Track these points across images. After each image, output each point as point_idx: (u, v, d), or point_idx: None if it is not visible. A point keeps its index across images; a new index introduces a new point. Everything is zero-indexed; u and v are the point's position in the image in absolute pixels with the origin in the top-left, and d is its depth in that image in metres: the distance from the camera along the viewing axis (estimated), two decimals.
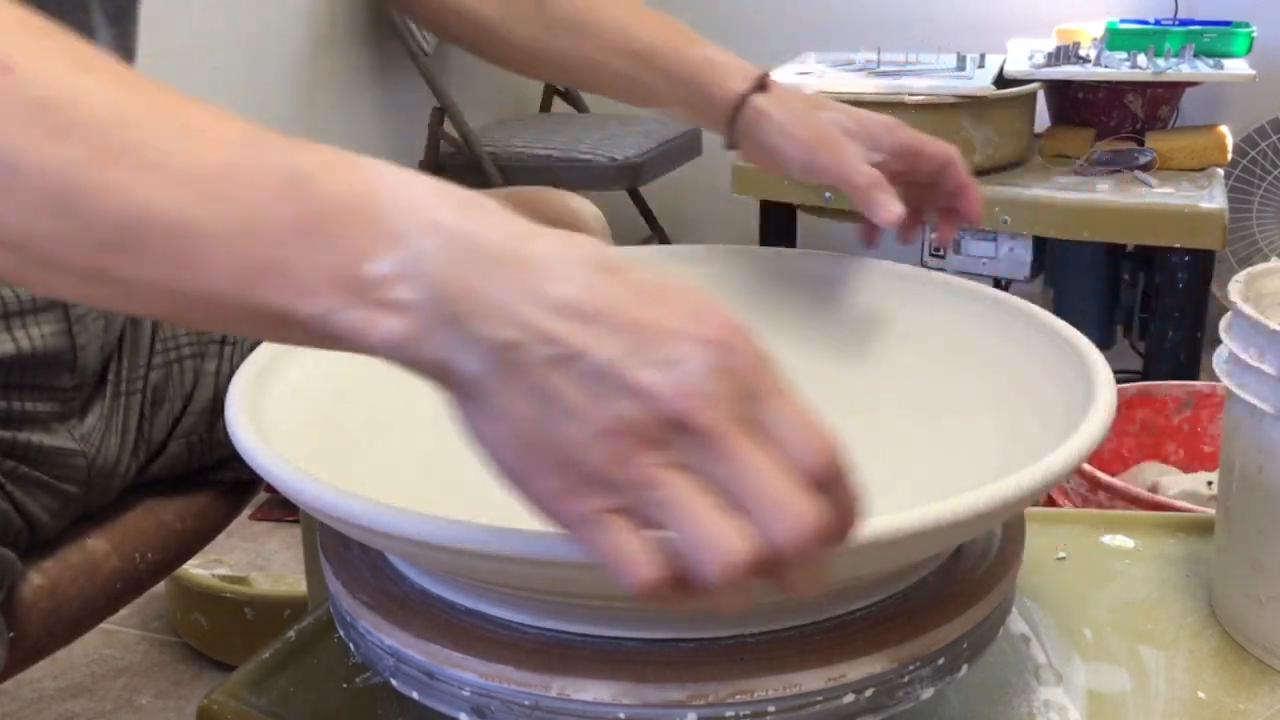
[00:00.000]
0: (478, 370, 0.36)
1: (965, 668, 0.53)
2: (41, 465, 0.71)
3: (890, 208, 0.69)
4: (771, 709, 0.48)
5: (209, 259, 0.36)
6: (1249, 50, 1.81)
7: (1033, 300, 0.69)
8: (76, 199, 0.35)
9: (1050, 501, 1.16)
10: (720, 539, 0.34)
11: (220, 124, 0.37)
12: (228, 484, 0.87)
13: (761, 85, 0.77)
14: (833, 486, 0.36)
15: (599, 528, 0.36)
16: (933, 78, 1.75)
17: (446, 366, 0.37)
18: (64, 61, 0.37)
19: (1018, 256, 1.67)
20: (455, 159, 2.20)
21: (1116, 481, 1.11)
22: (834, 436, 0.37)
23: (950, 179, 0.74)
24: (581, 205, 0.94)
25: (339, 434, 0.62)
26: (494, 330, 0.35)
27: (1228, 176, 1.99)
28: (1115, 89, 1.77)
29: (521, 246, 0.37)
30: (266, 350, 0.62)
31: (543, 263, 0.37)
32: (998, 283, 1.68)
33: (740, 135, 0.77)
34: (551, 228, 0.38)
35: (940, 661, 0.51)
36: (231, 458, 0.83)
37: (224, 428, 0.54)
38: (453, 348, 0.36)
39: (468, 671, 0.50)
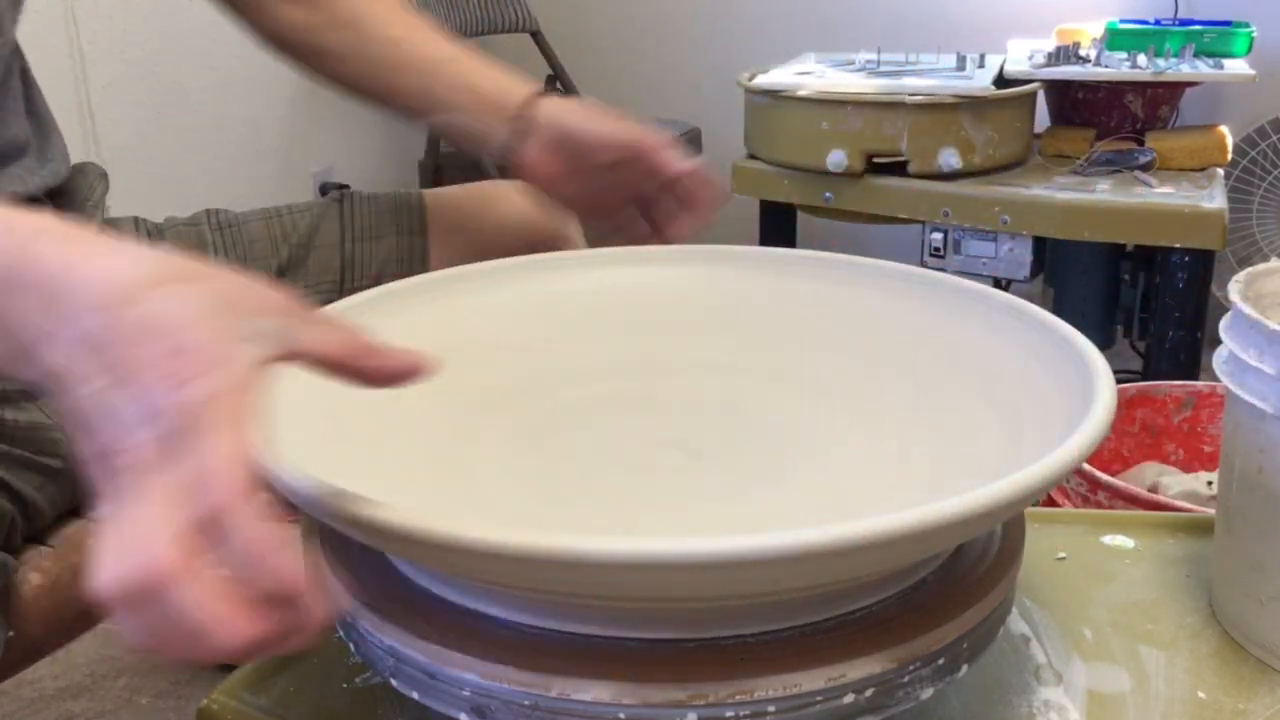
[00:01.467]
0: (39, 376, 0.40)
1: (965, 668, 0.53)
2: (19, 442, 0.71)
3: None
4: (771, 709, 0.48)
5: None
6: (1249, 50, 1.81)
7: (1033, 300, 0.69)
8: None
9: (1050, 501, 1.16)
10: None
11: None
12: None
13: (541, 94, 0.80)
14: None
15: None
16: (933, 77, 1.75)
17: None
18: None
19: (1018, 256, 1.67)
20: (455, 158, 2.20)
21: (1116, 481, 1.11)
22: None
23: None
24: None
25: (339, 434, 0.62)
26: (40, 351, 0.39)
27: (1228, 176, 1.99)
28: (1115, 89, 1.77)
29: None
30: None
31: (122, 267, 0.40)
32: (998, 283, 1.68)
33: (530, 132, 0.78)
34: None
35: (940, 661, 0.51)
36: None
37: None
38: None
39: (468, 671, 0.50)
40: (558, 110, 0.78)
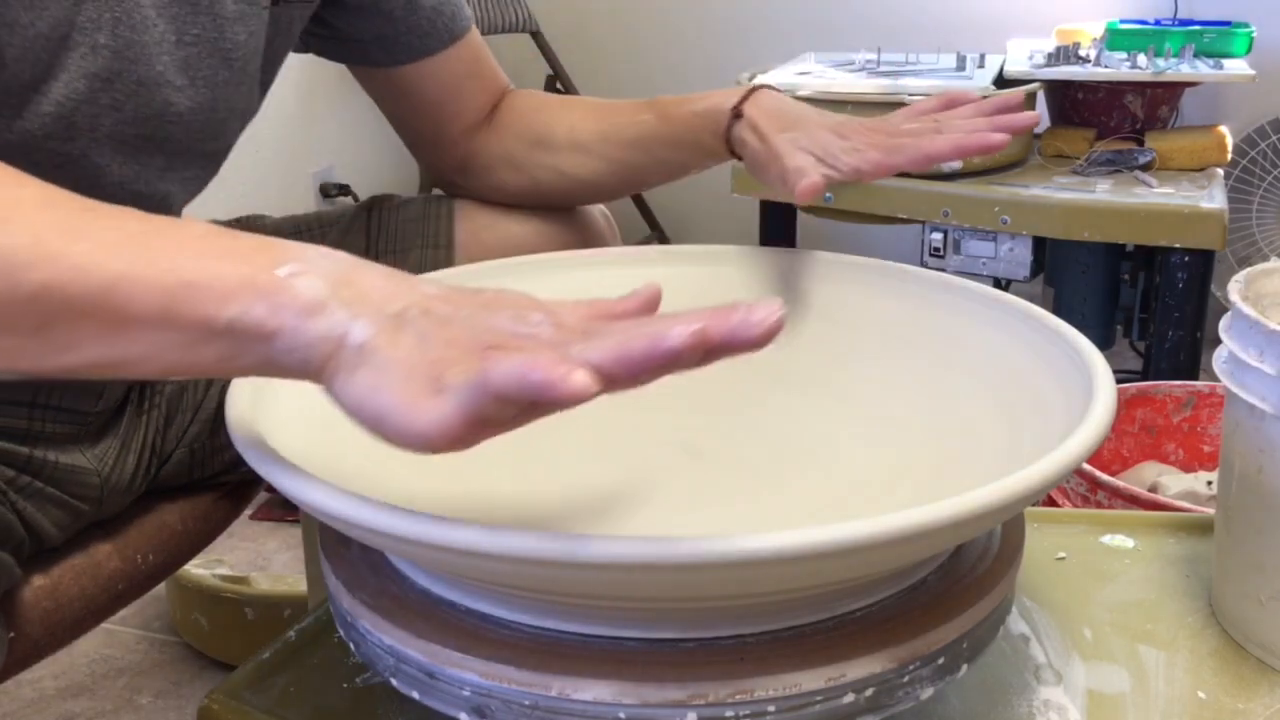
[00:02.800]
0: (367, 336, 0.44)
1: (965, 667, 0.53)
2: (55, 482, 0.71)
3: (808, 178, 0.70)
4: (771, 709, 0.48)
5: (134, 294, 0.43)
6: (1249, 50, 1.81)
7: (1033, 300, 0.69)
8: (18, 274, 0.43)
9: (1050, 501, 1.16)
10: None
11: (137, 215, 0.46)
12: (228, 485, 0.87)
13: (738, 113, 0.80)
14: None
15: (467, 378, 0.42)
16: (932, 77, 1.75)
17: (341, 340, 0.44)
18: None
19: (1017, 256, 1.67)
20: None
21: (1116, 481, 1.11)
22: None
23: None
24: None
25: (339, 434, 0.62)
26: (383, 305, 0.44)
27: (1227, 176, 1.99)
28: (1115, 89, 1.77)
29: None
30: None
31: (410, 275, 0.47)
32: (998, 283, 1.68)
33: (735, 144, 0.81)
34: None
35: (940, 661, 0.51)
36: (231, 465, 0.83)
37: (225, 433, 0.54)
38: (347, 323, 0.44)
39: (468, 671, 0.50)
40: (742, 128, 0.81)
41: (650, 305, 0.47)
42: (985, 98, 0.80)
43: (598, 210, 0.95)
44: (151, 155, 0.69)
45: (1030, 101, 1.77)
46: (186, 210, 0.88)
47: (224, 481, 0.86)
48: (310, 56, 0.92)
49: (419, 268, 0.83)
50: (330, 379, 0.45)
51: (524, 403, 0.41)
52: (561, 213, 0.90)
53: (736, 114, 0.79)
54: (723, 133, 0.80)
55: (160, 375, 0.50)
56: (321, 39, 0.85)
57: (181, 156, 0.71)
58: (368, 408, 0.44)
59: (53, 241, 0.44)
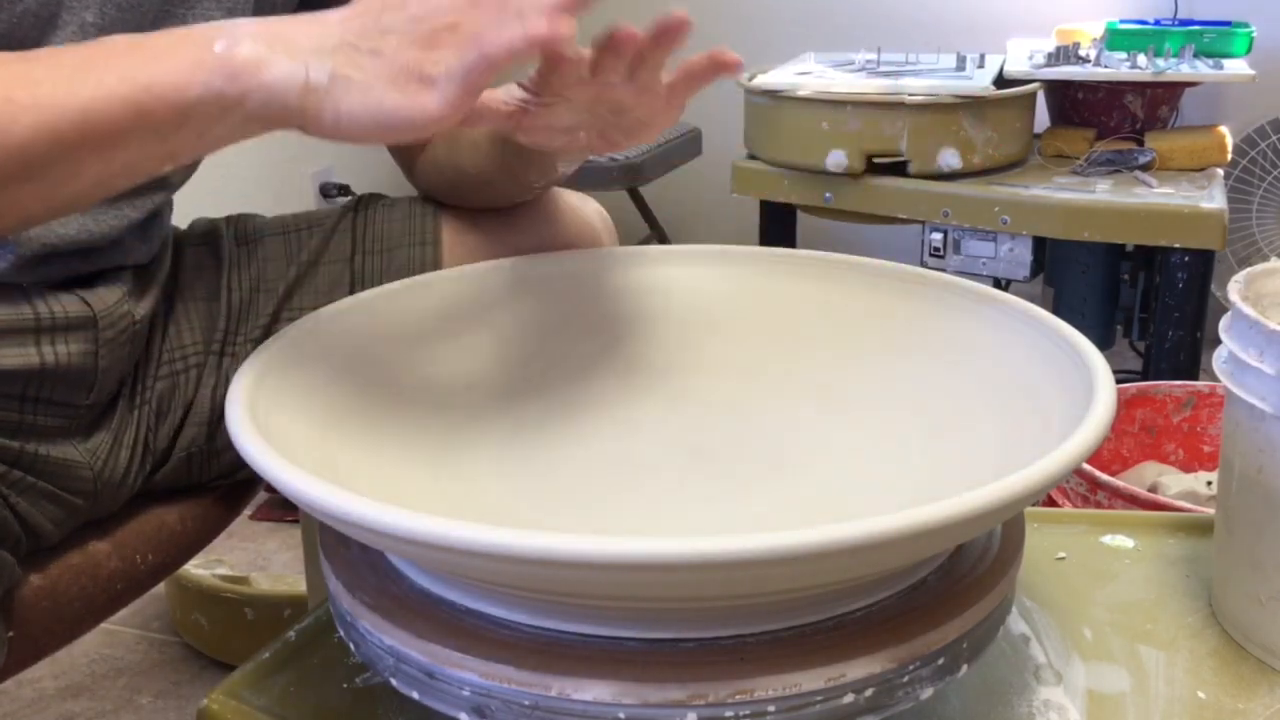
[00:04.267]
0: (327, 71, 0.52)
1: (965, 668, 0.53)
2: (48, 476, 0.71)
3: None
4: (771, 709, 0.48)
5: (108, 110, 0.51)
6: (1249, 50, 1.81)
7: (1033, 300, 0.69)
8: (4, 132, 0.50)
9: (1050, 501, 1.16)
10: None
11: (69, 50, 0.54)
12: (228, 486, 0.86)
13: None
14: None
15: (459, 64, 0.52)
16: (932, 77, 1.75)
17: (305, 83, 0.52)
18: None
19: (1017, 256, 1.67)
20: None
21: (1116, 481, 1.11)
22: None
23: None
24: (583, 202, 0.94)
25: (339, 435, 0.62)
26: (321, 45, 0.53)
27: (1227, 176, 1.99)
28: (1115, 89, 1.77)
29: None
30: (266, 353, 0.62)
31: (319, 15, 0.54)
32: (998, 283, 1.68)
33: None
34: None
35: (940, 661, 0.51)
36: (230, 469, 0.83)
37: (223, 437, 0.54)
38: (301, 68, 0.52)
39: (468, 671, 0.50)
40: None
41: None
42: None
43: (594, 210, 0.95)
44: None
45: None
46: (186, 207, 0.88)
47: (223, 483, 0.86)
48: None
49: (406, 267, 0.83)
50: (317, 118, 0.53)
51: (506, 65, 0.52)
52: (553, 211, 0.90)
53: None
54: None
55: (160, 165, 0.56)
56: None
57: None
58: (369, 120, 0.52)
59: (20, 94, 0.50)
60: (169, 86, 0.52)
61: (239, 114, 0.53)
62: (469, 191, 0.86)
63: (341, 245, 0.85)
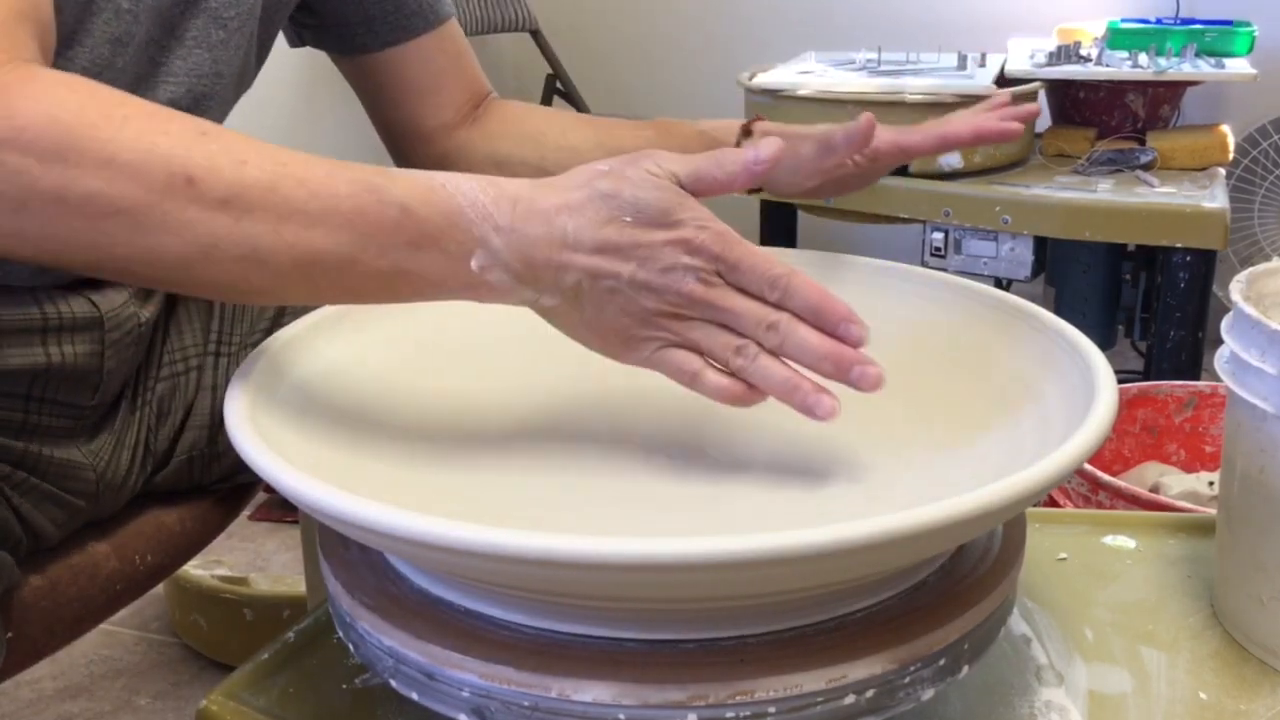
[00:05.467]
0: (556, 303, 0.57)
1: (966, 668, 0.53)
2: (51, 477, 0.71)
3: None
4: (772, 710, 0.48)
5: (365, 275, 0.55)
6: (1250, 49, 1.80)
7: (1033, 300, 0.69)
8: (266, 256, 0.53)
9: (1051, 502, 1.16)
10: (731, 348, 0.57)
11: (334, 174, 0.55)
12: (228, 488, 0.86)
13: (747, 131, 0.83)
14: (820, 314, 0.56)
15: (660, 356, 0.58)
16: (933, 77, 1.75)
17: (537, 304, 0.58)
18: (227, 160, 0.52)
19: (1018, 256, 1.67)
20: None
21: (1118, 482, 1.11)
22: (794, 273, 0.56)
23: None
24: None
25: (338, 435, 0.62)
26: (557, 280, 0.56)
27: (1229, 176, 1.98)
28: (1116, 88, 1.77)
29: (554, 220, 0.55)
30: (264, 354, 0.62)
31: (571, 227, 0.55)
32: (998, 283, 1.68)
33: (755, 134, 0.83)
34: (567, 180, 0.57)
35: (941, 662, 0.51)
36: (231, 472, 0.83)
37: (223, 440, 0.54)
38: (537, 296, 0.57)
39: (467, 672, 0.49)
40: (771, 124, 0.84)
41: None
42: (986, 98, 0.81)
43: None
44: None
45: (1031, 100, 1.77)
46: None
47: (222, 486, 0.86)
48: (309, 55, 0.92)
49: None
50: (535, 312, 0.59)
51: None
52: None
53: (746, 131, 0.81)
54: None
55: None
56: (311, 29, 0.87)
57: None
58: (577, 339, 0.59)
59: (288, 233, 0.53)
60: (421, 281, 0.56)
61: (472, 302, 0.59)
62: None
63: None
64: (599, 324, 0.57)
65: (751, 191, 0.83)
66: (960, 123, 0.76)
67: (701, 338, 0.57)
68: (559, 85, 2.52)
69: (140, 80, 0.69)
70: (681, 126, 0.87)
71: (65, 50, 0.64)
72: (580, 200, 0.56)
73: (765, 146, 0.58)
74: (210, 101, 0.74)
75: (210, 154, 0.52)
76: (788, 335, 0.56)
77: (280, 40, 0.88)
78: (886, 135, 0.75)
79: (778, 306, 0.56)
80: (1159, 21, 1.99)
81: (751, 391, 0.57)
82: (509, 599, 0.51)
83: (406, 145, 0.92)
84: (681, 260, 0.55)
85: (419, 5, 0.87)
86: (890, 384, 0.71)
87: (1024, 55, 1.85)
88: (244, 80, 0.80)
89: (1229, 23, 1.85)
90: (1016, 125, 0.75)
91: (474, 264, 0.55)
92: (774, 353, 0.56)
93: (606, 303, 0.56)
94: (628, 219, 0.55)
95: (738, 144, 0.81)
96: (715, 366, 0.58)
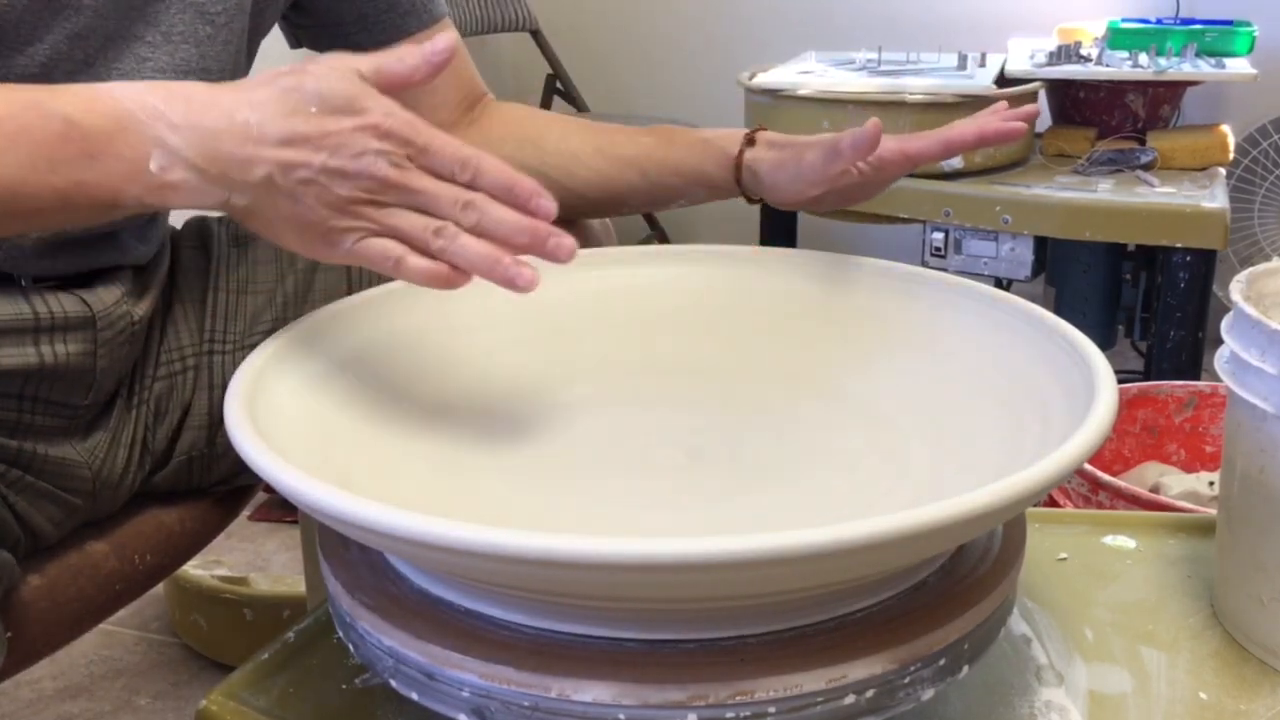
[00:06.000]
0: (248, 201, 0.57)
1: (966, 668, 0.53)
2: (46, 475, 0.71)
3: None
4: (772, 710, 0.48)
5: (37, 194, 0.54)
6: (1250, 49, 1.80)
7: (1034, 300, 0.69)
8: None
9: (1051, 502, 1.16)
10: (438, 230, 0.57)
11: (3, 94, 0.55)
12: (227, 489, 0.86)
13: (751, 140, 0.82)
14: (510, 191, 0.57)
15: (362, 247, 0.57)
16: (933, 77, 1.75)
17: (227, 205, 0.57)
18: None
19: (1018, 256, 1.67)
20: None
21: (1118, 482, 1.11)
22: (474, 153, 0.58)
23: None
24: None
25: (338, 435, 0.62)
26: (246, 175, 0.56)
27: (1229, 176, 1.98)
28: (1116, 88, 1.77)
29: (235, 114, 0.55)
30: (264, 354, 0.62)
31: (254, 119, 0.55)
32: (998, 283, 1.68)
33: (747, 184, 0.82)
34: (248, 81, 0.58)
35: (941, 662, 0.51)
36: (231, 473, 0.83)
37: (223, 441, 0.54)
38: (227, 194, 0.56)
39: (467, 672, 0.49)
40: (757, 169, 0.82)
41: None
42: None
43: None
44: None
45: (1031, 100, 1.77)
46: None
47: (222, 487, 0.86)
48: (307, 54, 0.92)
49: None
50: (231, 216, 0.59)
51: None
52: None
53: (750, 140, 0.80)
54: (733, 159, 0.81)
55: (71, 226, 0.61)
56: (306, 29, 0.87)
57: None
58: (271, 239, 0.59)
59: None
60: (100, 189, 0.55)
61: (162, 209, 0.59)
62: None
63: None
64: (296, 219, 0.57)
65: (753, 200, 0.83)
66: (964, 125, 0.76)
67: (400, 223, 0.57)
68: (559, 85, 2.51)
69: (125, 77, 0.69)
70: (683, 133, 0.86)
71: (25, 47, 0.65)
72: (263, 96, 0.56)
73: (441, 39, 0.60)
74: None
75: None
76: (484, 212, 0.56)
77: (280, 41, 0.88)
78: (891, 142, 0.75)
79: (469, 187, 0.57)
80: (1159, 21, 1.99)
81: (455, 273, 0.57)
82: (509, 599, 0.51)
83: None
84: (372, 145, 0.56)
85: (413, 4, 0.86)
86: (890, 384, 0.71)
87: (1024, 55, 1.85)
88: (235, 77, 0.80)
89: (1229, 23, 1.85)
90: (1020, 124, 0.75)
91: (153, 165, 0.55)
92: (472, 231, 0.57)
93: (301, 195, 0.56)
94: (313, 109, 0.55)
95: (740, 152, 0.81)
96: (416, 252, 0.58)
